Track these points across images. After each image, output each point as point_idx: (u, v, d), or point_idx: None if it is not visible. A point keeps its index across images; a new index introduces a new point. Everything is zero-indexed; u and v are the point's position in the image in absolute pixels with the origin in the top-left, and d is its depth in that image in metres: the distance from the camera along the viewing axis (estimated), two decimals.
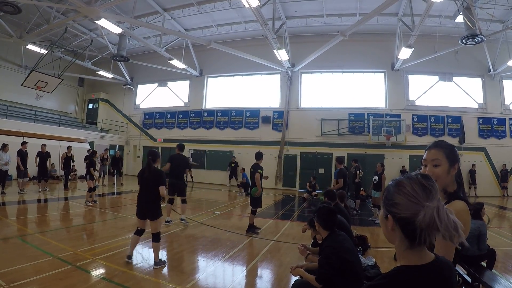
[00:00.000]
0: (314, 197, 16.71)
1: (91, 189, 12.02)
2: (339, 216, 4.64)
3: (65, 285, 4.64)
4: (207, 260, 6.46)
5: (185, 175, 10.80)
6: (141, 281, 5.11)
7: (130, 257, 5.86)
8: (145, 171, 6.04)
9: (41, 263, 5.37)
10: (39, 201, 12.49)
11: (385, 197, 1.36)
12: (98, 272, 5.33)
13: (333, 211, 4.02)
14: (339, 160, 11.68)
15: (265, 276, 5.90)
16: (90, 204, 11.70)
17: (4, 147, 12.97)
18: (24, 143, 14.03)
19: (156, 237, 5.92)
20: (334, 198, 6.63)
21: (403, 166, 19.26)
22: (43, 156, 14.59)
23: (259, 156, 9.36)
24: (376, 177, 11.52)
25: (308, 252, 4.62)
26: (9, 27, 18.46)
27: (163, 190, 5.88)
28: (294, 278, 4.63)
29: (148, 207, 5.93)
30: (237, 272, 5.99)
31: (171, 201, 9.66)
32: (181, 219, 9.84)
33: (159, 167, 6.41)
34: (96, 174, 12.89)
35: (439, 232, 1.16)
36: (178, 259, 6.55)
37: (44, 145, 14.97)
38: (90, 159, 12.70)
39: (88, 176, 12.26)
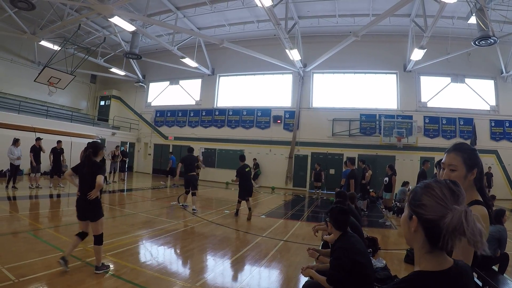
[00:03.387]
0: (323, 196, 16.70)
1: None
2: (351, 218, 4.59)
3: (74, 280, 4.66)
4: (216, 259, 6.44)
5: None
6: (151, 279, 5.10)
7: (64, 259, 4.92)
8: (83, 166, 5.33)
9: (50, 258, 5.38)
10: (51, 196, 12.60)
11: (411, 198, 1.35)
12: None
13: (345, 211, 3.97)
14: (352, 161, 11.61)
15: (274, 276, 5.85)
16: None
17: (16, 142, 13.08)
18: (38, 139, 14.04)
19: (97, 240, 5.22)
20: (345, 199, 6.58)
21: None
22: (58, 152, 14.62)
23: (242, 158, 11.27)
24: (387, 178, 11.42)
25: (319, 253, 4.58)
26: (23, 23, 18.64)
27: (100, 179, 5.15)
28: (304, 279, 4.58)
29: (87, 207, 5.23)
30: (246, 272, 5.96)
31: (187, 193, 11.73)
32: (193, 209, 11.10)
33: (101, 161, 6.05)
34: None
35: (465, 237, 1.14)
36: (187, 257, 6.56)
37: (59, 141, 14.89)
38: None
39: None
